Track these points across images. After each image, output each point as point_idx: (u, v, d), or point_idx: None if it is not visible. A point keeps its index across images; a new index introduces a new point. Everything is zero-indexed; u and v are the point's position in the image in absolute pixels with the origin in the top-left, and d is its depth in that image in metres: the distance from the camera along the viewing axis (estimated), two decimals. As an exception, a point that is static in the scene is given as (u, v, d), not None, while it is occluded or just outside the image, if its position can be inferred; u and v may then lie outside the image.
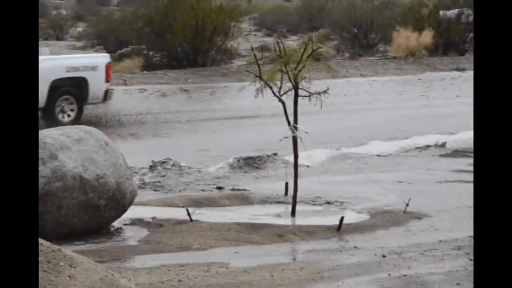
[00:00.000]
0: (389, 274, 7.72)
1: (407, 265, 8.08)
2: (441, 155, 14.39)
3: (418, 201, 10.65)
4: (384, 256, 8.41)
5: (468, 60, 31.05)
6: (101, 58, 18.37)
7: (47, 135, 9.34)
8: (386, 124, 18.01)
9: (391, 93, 24.46)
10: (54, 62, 17.10)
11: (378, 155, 14.51)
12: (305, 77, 10.32)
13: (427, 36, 33.13)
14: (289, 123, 10.31)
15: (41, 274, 5.27)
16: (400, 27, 34.14)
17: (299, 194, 10.37)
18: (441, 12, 35.46)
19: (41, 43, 43.18)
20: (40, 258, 5.41)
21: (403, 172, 13.01)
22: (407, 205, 10.42)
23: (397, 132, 16.81)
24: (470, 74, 26.59)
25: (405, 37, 33.14)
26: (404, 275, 7.63)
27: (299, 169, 10.56)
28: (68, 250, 5.80)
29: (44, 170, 8.99)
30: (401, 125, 17.64)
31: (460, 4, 36.07)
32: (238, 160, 13.55)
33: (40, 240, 5.64)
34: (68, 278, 5.33)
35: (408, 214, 10.31)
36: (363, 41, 38.91)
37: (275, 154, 13.65)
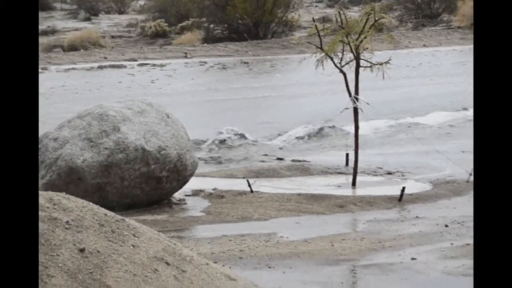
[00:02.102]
0: (452, 244, 7.66)
1: (470, 234, 7.99)
2: (505, 125, 14.17)
3: (481, 171, 10.51)
4: (446, 226, 8.35)
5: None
6: None
7: (109, 108, 9.47)
8: (449, 94, 17.78)
9: (455, 63, 24.12)
10: None
11: (440, 125, 14.36)
12: (367, 48, 10.25)
13: (492, 5, 32.48)
14: (350, 94, 10.26)
15: (106, 243, 5.37)
16: (465, -4, 33.55)
17: (360, 165, 10.34)
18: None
19: (103, 16, 43.65)
20: (105, 228, 5.51)
21: (466, 141, 12.84)
22: (471, 174, 10.30)
23: (460, 102, 16.59)
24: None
25: (470, 6, 32.53)
26: (467, 244, 7.55)
27: (360, 140, 10.51)
28: (131, 220, 5.89)
29: (107, 142, 9.12)
30: (464, 95, 17.40)
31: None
32: (299, 132, 13.55)
33: (105, 210, 5.74)
34: (132, 247, 5.41)
35: (471, 183, 10.20)
36: (426, 11, 38.34)
37: (335, 125, 13.61)
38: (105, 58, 24.53)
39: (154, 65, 23.52)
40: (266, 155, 12.13)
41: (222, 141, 12.90)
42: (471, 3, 32.58)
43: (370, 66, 10.19)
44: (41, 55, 24.29)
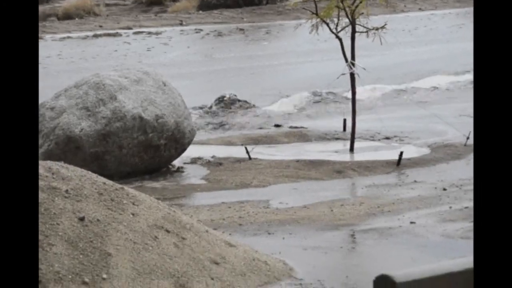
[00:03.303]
0: (450, 207, 7.68)
1: (468, 197, 8.02)
2: (503, 88, 14.15)
3: (478, 135, 10.51)
4: (444, 189, 8.37)
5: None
6: None
7: (106, 77, 9.44)
8: (446, 58, 17.73)
9: (451, 26, 24.03)
10: None
11: (437, 90, 14.34)
12: (363, 13, 10.21)
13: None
14: (346, 59, 10.23)
15: (105, 212, 5.38)
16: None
17: (357, 130, 10.34)
18: None
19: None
20: (104, 197, 5.52)
21: (464, 105, 12.84)
22: (468, 138, 10.31)
23: (458, 66, 16.55)
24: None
25: (464, -31, 32.35)
26: (466, 207, 7.57)
27: (357, 105, 10.51)
28: (130, 188, 5.89)
29: (104, 111, 9.11)
30: (461, 59, 17.36)
31: None
32: (295, 98, 13.53)
33: (104, 179, 5.75)
34: (131, 216, 5.42)
35: (469, 147, 10.21)
36: (421, -26, 38.14)
37: (332, 91, 13.59)
38: (100, 26, 24.40)
39: (149, 33, 23.40)
40: (263, 122, 12.13)
41: (219, 108, 12.88)
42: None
43: (366, 31, 10.16)
44: (36, 25, 24.14)
